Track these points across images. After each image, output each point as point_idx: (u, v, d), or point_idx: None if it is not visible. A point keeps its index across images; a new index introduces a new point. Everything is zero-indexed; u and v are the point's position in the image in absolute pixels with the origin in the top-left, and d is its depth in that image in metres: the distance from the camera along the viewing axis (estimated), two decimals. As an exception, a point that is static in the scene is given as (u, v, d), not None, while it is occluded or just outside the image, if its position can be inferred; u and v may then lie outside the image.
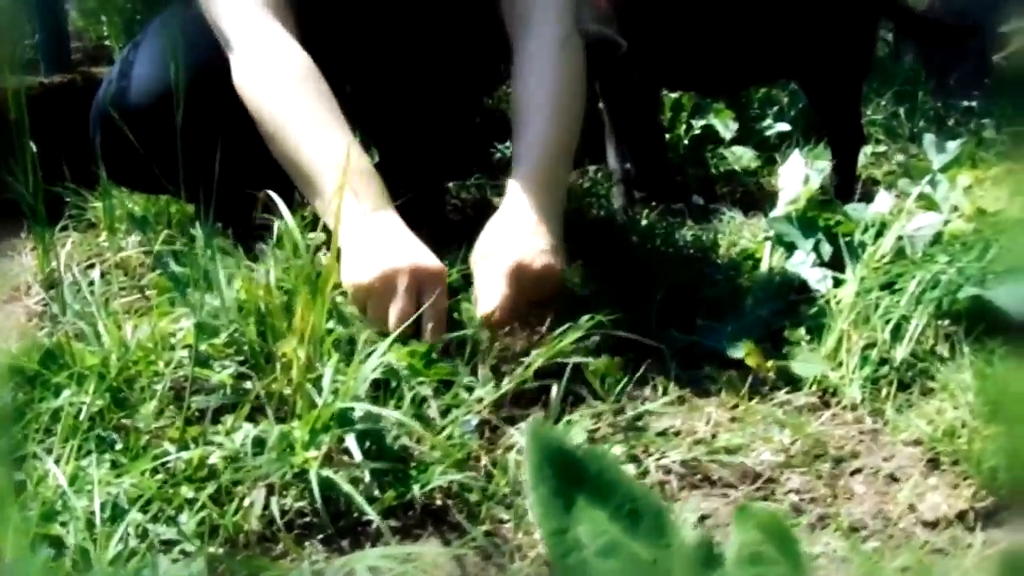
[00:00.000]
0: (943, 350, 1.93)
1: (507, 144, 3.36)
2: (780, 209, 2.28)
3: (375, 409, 1.57)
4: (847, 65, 3.11)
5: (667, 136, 3.50)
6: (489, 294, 1.74)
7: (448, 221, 2.91)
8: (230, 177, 1.94)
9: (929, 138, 2.38)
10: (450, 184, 3.20)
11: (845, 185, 3.00)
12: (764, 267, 2.22)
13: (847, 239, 2.19)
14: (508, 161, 3.23)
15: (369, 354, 1.68)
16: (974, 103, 4.15)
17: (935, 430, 1.72)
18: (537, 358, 1.80)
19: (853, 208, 2.31)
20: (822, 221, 2.22)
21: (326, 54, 2.07)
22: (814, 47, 2.99)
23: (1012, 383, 1.63)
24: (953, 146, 2.31)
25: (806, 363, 1.90)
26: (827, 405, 1.86)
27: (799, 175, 2.26)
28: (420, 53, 2.35)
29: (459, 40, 2.34)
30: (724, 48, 2.92)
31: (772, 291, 2.12)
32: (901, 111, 4.17)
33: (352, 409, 1.56)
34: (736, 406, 1.85)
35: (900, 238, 2.15)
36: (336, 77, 2.07)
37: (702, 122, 3.57)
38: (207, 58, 2.10)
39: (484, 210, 2.93)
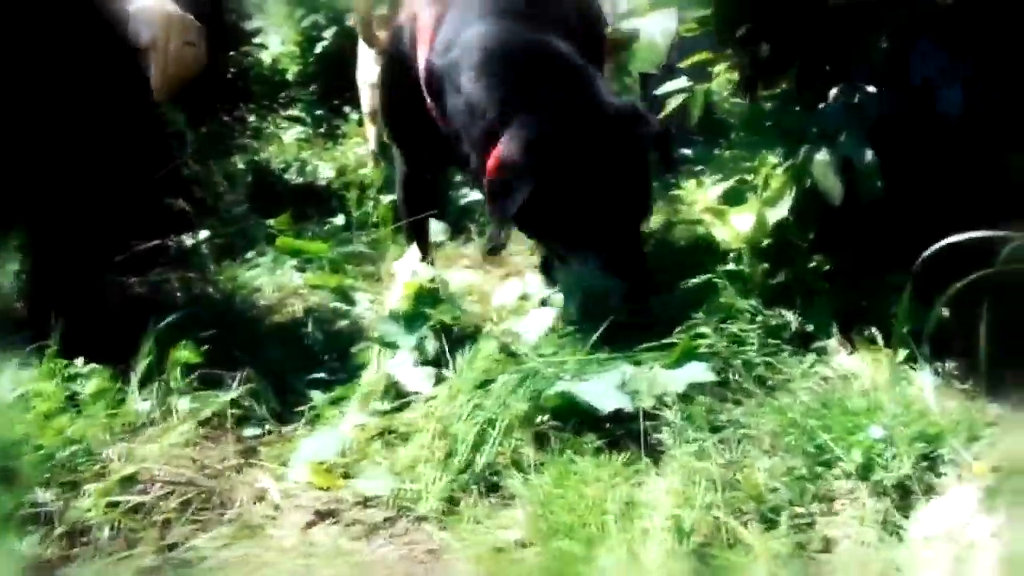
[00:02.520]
0: (529, 452, 1.82)
1: (187, 235, 3.19)
2: (391, 304, 2.17)
3: None
4: None
5: (354, 214, 3.38)
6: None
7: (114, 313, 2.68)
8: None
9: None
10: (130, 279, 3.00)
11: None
12: (371, 370, 2.08)
13: (457, 335, 2.08)
14: (191, 253, 3.14)
15: None
16: (690, 151, 4.14)
17: (498, 543, 1.61)
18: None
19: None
20: (431, 317, 2.11)
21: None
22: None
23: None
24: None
25: (376, 479, 1.77)
26: (402, 520, 1.72)
27: (412, 268, 2.15)
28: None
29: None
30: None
31: (372, 397, 1.99)
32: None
33: None
34: (310, 526, 1.72)
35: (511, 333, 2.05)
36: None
37: (391, 197, 3.47)
38: None
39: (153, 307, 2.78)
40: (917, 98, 2.07)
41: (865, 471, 1.75)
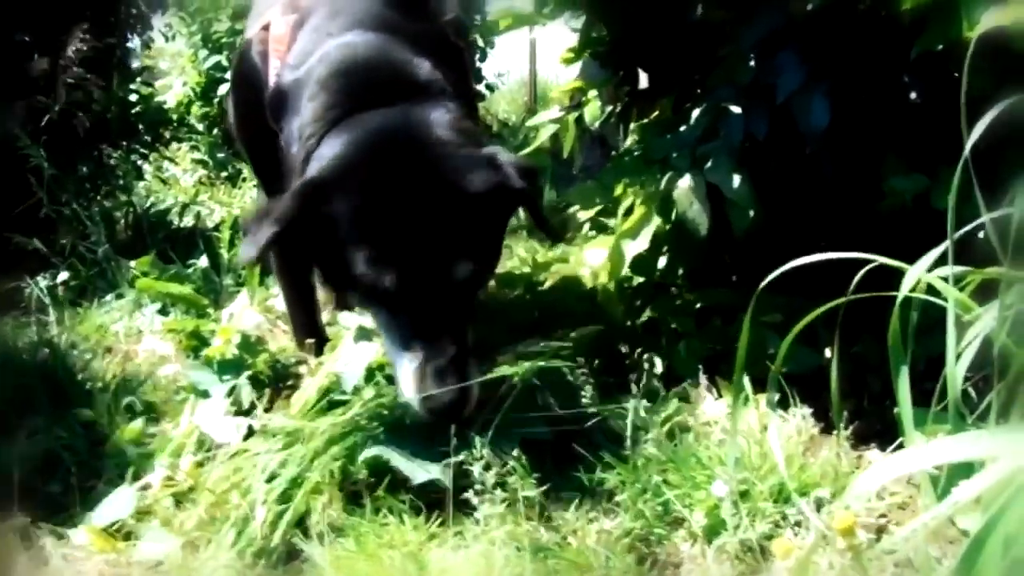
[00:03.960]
0: (337, 514, 1.60)
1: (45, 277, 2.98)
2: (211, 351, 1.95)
3: None
4: None
5: (225, 256, 3.17)
6: None
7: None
8: None
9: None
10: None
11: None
12: (184, 420, 1.86)
13: (277, 384, 1.87)
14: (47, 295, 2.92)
15: None
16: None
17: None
18: None
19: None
20: (253, 362, 1.90)
21: None
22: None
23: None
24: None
25: (161, 542, 1.55)
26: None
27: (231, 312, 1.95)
28: None
29: None
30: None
31: (181, 450, 1.77)
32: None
33: None
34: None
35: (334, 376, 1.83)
36: None
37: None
38: None
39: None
40: (782, 116, 1.88)
41: (710, 533, 1.54)
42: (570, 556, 1.46)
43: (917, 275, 1.30)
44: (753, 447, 1.67)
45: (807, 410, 1.78)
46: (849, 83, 1.92)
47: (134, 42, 4.41)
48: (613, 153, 3.23)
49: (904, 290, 1.31)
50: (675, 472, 1.65)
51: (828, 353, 1.97)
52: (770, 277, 1.41)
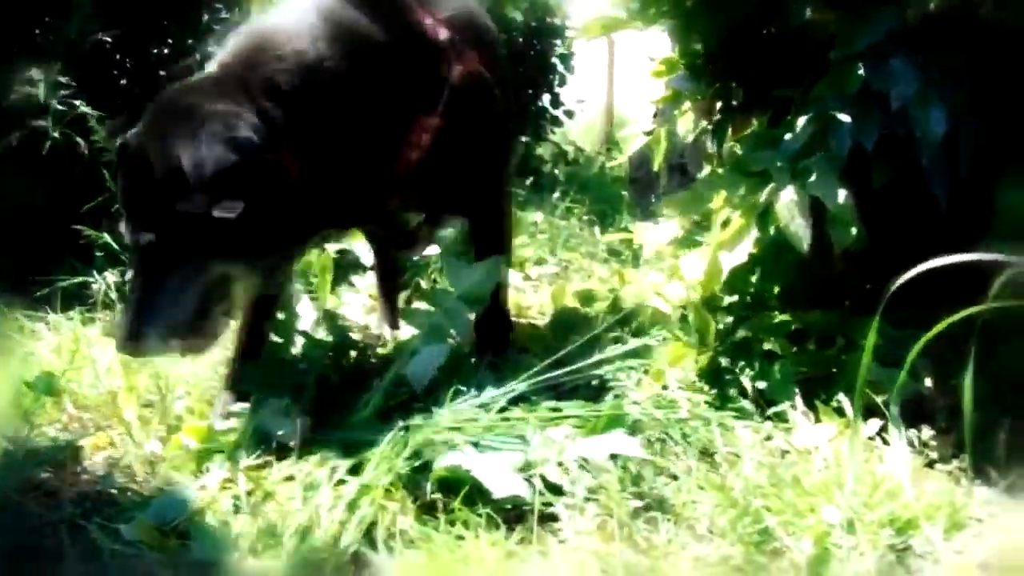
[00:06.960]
0: (409, 524, 1.49)
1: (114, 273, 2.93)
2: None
3: None
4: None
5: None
6: None
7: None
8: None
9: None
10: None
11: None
12: (245, 419, 1.76)
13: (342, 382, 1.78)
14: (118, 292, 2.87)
15: None
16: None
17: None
18: None
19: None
20: (313, 360, 1.81)
21: None
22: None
23: None
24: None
25: (215, 545, 1.45)
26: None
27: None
28: None
29: None
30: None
31: (241, 450, 1.68)
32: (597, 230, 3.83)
33: None
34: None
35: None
36: None
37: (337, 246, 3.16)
38: None
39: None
40: (895, 125, 1.76)
41: (818, 563, 1.41)
42: (663, 582, 1.33)
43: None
44: (861, 474, 1.54)
45: (916, 437, 1.65)
46: (967, 92, 1.79)
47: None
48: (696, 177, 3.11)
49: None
50: (776, 498, 1.51)
51: (928, 383, 1.84)
52: (900, 280, 1.29)
